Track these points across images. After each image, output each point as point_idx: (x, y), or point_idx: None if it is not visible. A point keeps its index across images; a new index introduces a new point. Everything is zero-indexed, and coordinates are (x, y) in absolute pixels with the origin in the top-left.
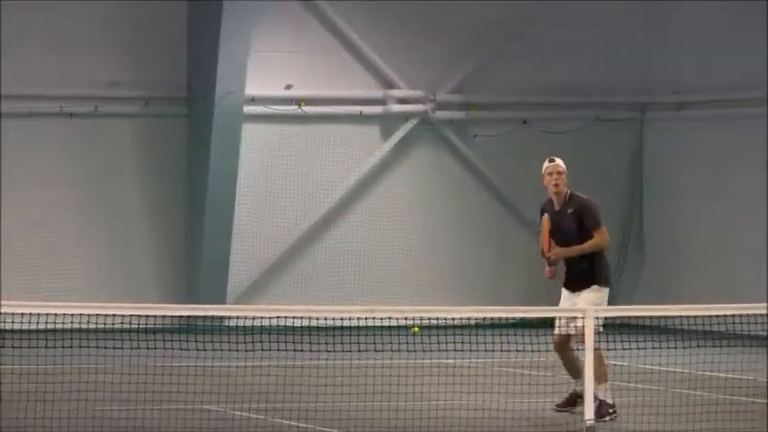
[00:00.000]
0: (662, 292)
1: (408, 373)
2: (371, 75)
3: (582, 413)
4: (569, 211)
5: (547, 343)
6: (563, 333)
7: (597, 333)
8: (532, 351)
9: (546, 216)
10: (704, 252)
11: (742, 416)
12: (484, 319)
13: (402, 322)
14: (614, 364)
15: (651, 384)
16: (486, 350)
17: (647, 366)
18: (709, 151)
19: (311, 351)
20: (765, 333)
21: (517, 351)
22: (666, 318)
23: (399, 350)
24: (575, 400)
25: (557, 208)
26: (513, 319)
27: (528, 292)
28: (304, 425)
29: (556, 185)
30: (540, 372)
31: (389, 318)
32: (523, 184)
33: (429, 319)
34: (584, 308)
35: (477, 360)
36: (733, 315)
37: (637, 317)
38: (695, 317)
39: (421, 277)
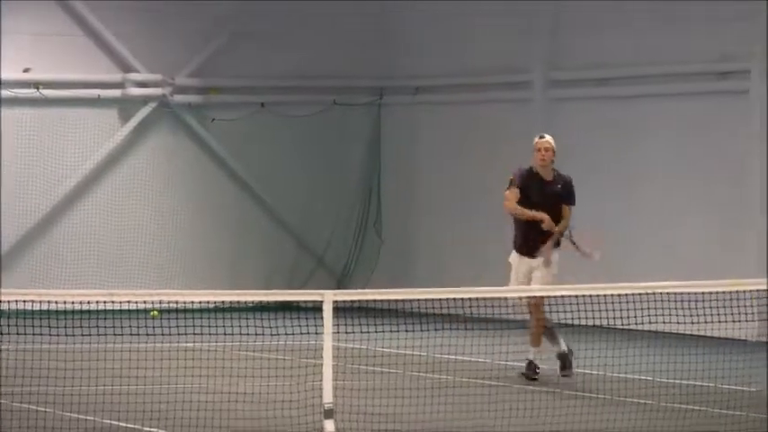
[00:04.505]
0: (399, 276)
1: (148, 356)
2: (110, 58)
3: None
4: (558, 185)
5: (285, 327)
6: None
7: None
8: (270, 335)
9: (515, 188)
10: (440, 235)
11: (478, 398)
12: (222, 302)
13: (141, 306)
14: (352, 348)
15: (389, 367)
16: (224, 334)
17: (384, 350)
18: (446, 135)
19: (50, 335)
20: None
21: (255, 335)
22: (403, 301)
23: (139, 334)
24: (565, 361)
25: (547, 179)
26: (252, 303)
27: (266, 275)
28: (43, 409)
29: (543, 160)
30: (278, 355)
31: (129, 302)
32: (262, 166)
33: (168, 302)
34: (323, 291)
35: (217, 344)
36: (471, 299)
37: (374, 300)
38: (432, 300)
39: (161, 261)
